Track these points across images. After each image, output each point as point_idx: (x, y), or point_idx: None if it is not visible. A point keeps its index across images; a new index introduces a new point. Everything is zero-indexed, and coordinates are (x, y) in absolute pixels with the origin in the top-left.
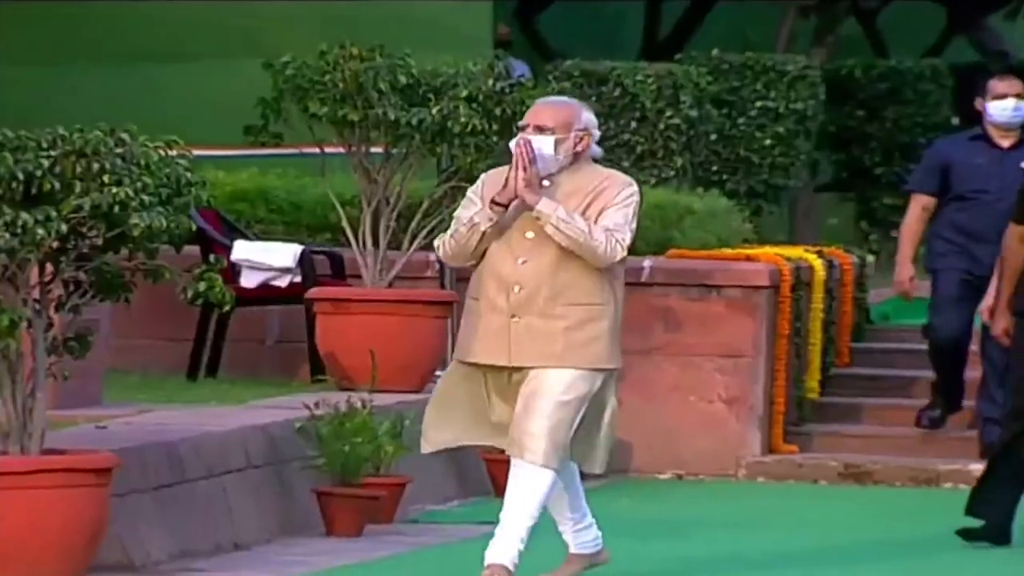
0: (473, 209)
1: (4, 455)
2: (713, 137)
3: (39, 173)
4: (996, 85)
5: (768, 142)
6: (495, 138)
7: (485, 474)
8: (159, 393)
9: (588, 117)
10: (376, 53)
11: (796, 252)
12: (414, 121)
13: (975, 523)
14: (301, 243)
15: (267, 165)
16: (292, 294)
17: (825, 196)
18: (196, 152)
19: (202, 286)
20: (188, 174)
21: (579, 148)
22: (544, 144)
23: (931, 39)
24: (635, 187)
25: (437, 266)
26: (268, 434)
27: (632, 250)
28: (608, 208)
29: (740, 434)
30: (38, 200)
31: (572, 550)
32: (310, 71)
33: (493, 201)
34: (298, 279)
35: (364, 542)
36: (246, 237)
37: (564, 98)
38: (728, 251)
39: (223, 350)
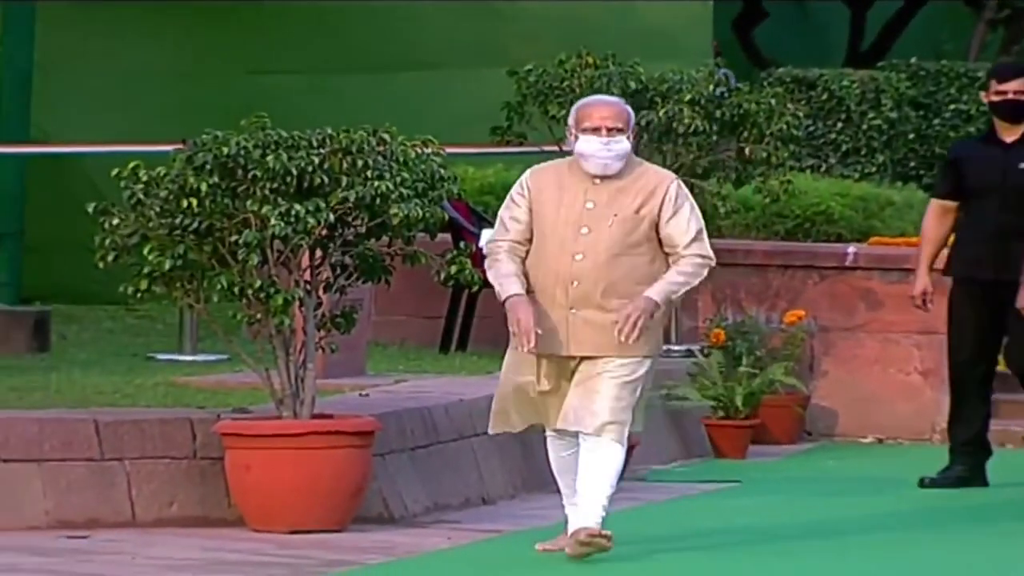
0: (515, 211)
1: (279, 419)
2: (911, 136)
3: (310, 169)
4: None
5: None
6: (715, 137)
7: (705, 437)
8: (415, 364)
9: (632, 112)
10: (609, 61)
11: None
12: (643, 122)
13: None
14: None
15: (512, 162)
16: None
17: None
18: (448, 150)
19: (453, 269)
20: (441, 170)
21: (632, 143)
22: (624, 146)
23: None
24: (677, 179)
25: None
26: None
27: (835, 236)
28: (672, 217)
29: (935, 402)
30: (309, 193)
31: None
32: (550, 77)
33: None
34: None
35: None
36: (492, 226)
37: (613, 97)
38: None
39: (472, 326)
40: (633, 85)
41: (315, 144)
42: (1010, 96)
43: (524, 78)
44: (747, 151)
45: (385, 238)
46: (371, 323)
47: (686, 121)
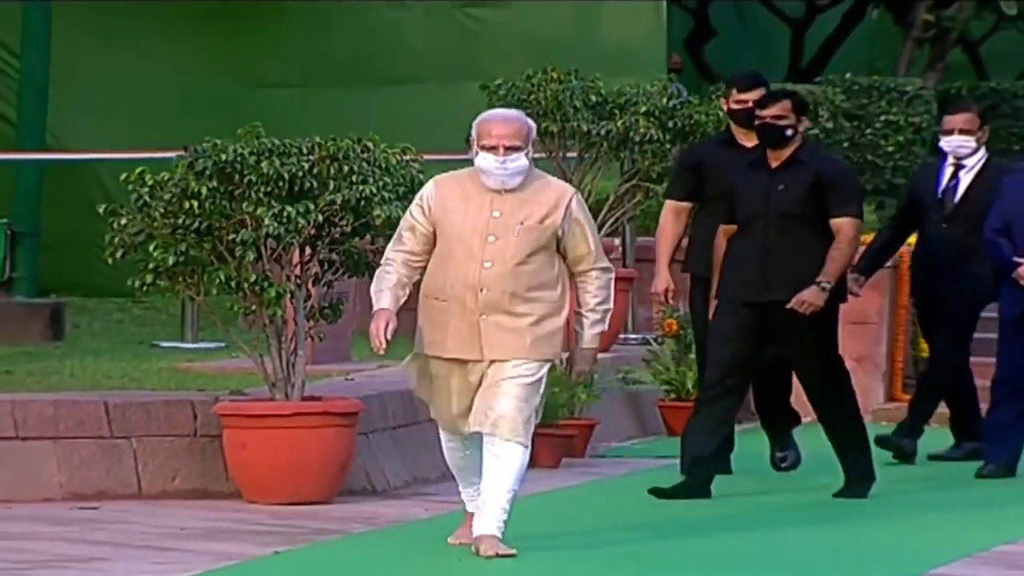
0: (413, 223)
1: (272, 401)
2: (845, 145)
3: (300, 174)
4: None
5: (890, 149)
6: (668, 145)
7: (659, 417)
8: (396, 352)
9: (533, 125)
10: (572, 76)
11: (912, 238)
12: (602, 132)
13: None
14: None
15: None
16: None
17: None
18: (426, 157)
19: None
20: (420, 175)
21: (531, 156)
22: (522, 164)
23: None
24: (577, 193)
25: (620, 248)
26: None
27: None
28: (575, 231)
29: (867, 386)
30: (300, 196)
31: (471, 509)
32: (519, 91)
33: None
34: None
35: (561, 472)
36: None
37: (513, 111)
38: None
39: None
40: (594, 98)
41: (305, 151)
42: (749, 105)
43: (495, 91)
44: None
45: (368, 237)
46: (356, 314)
47: (642, 131)
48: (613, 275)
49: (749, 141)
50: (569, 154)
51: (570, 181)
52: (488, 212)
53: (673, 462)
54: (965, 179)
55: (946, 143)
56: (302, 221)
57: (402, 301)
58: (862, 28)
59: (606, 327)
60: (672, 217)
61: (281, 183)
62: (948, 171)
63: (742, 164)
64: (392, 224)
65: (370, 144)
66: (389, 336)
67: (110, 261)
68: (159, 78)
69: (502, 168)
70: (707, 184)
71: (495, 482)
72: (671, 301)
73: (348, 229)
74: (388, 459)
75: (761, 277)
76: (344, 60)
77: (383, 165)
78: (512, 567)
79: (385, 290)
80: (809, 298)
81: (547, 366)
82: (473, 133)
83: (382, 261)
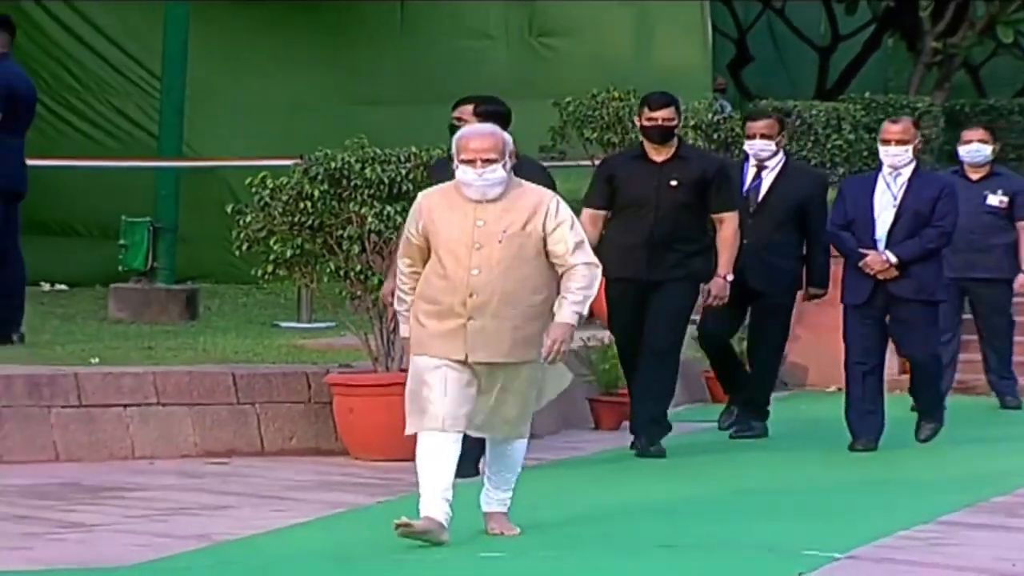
0: (410, 232)
1: (375, 373)
2: (865, 154)
3: (398, 178)
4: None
5: None
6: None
7: (705, 386)
8: None
9: (509, 139)
10: (631, 95)
11: None
12: None
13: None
14: None
15: (554, 173)
16: None
17: None
18: None
19: None
20: None
21: (509, 167)
22: (499, 175)
23: (1020, 84)
24: (557, 197)
25: None
26: None
27: None
28: (555, 230)
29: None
30: (398, 197)
31: (426, 514)
32: (585, 108)
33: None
34: None
35: (620, 434)
36: None
37: (489, 126)
38: None
39: None
40: None
41: (402, 159)
42: (659, 122)
43: (565, 108)
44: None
45: None
46: None
47: (690, 142)
48: (600, 270)
49: (659, 156)
50: None
51: None
52: (472, 221)
53: (708, 425)
54: (768, 178)
55: (750, 146)
56: (399, 219)
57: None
58: (879, 54)
59: (584, 311)
60: (589, 224)
61: (382, 186)
62: (751, 172)
63: (651, 174)
64: None
65: None
66: None
67: (237, 253)
68: (279, 97)
69: (480, 180)
70: (618, 194)
71: (500, 469)
72: None
73: None
74: None
75: (646, 259)
76: (436, 81)
77: None
78: (604, 483)
79: (405, 314)
80: (717, 291)
81: (535, 365)
82: (453, 148)
83: (397, 259)
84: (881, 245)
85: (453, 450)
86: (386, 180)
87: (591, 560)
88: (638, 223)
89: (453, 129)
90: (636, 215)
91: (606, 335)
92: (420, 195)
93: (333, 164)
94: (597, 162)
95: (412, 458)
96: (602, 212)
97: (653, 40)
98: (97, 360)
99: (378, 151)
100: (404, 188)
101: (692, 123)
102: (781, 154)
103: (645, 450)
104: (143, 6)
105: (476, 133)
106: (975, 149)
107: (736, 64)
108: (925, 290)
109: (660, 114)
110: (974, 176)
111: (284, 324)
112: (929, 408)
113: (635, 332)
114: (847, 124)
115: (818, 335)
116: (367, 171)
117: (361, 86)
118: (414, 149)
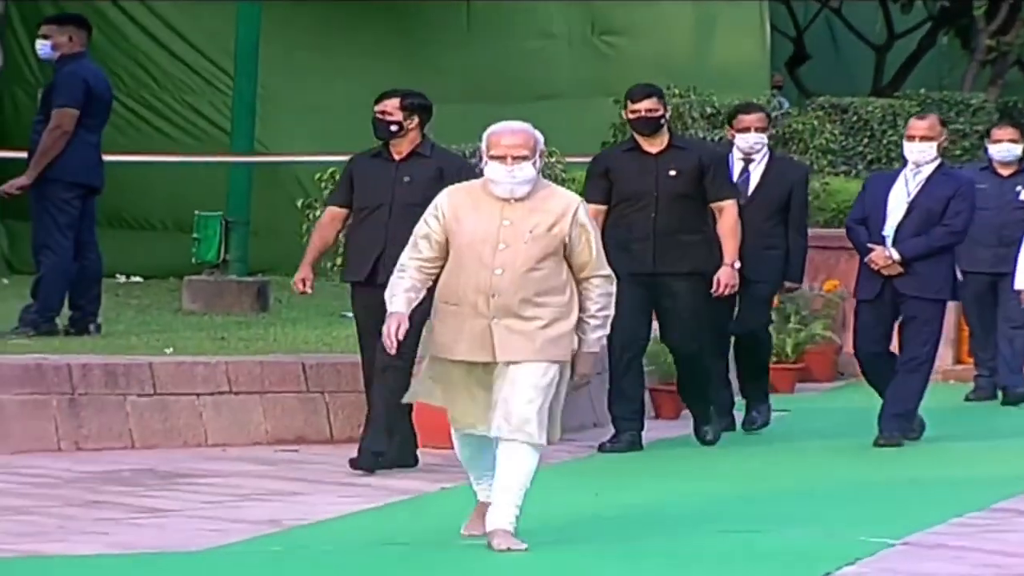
0: (428, 231)
1: None
2: None
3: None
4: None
5: (958, 152)
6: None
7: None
8: None
9: (540, 137)
10: (691, 92)
11: None
12: (716, 139)
13: None
14: None
15: None
16: None
17: None
18: (568, 159)
19: None
20: (563, 173)
21: (539, 166)
22: (529, 172)
23: None
24: (582, 202)
25: None
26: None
27: None
28: (581, 239)
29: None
30: None
31: (483, 498)
32: None
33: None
34: None
35: (680, 422)
36: None
37: (520, 123)
38: None
39: None
40: (709, 110)
41: (467, 155)
42: (643, 114)
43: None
44: (795, 160)
45: None
46: None
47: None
48: (615, 284)
49: (652, 147)
50: None
51: None
52: (499, 221)
53: (777, 414)
54: (756, 172)
55: (742, 140)
56: None
57: (414, 304)
58: (934, 52)
59: (607, 331)
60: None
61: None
62: (738, 165)
63: (647, 165)
64: None
65: None
66: (401, 336)
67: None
68: (347, 95)
69: (510, 177)
70: (615, 188)
71: (508, 481)
72: None
73: None
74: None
75: (652, 252)
76: (499, 80)
77: None
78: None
79: (398, 294)
80: (727, 279)
81: (556, 367)
82: (483, 145)
83: (396, 268)
84: (888, 241)
85: (489, 447)
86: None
87: (654, 545)
88: (639, 216)
89: (376, 124)
90: (636, 208)
91: None
92: (444, 191)
93: None
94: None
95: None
96: (602, 207)
97: (713, 38)
98: (171, 350)
99: (466, 150)
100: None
101: None
102: (765, 147)
103: (704, 439)
104: (216, 7)
105: (508, 130)
106: (1005, 149)
107: (793, 62)
108: (931, 288)
109: (642, 105)
110: (1004, 172)
111: (351, 315)
112: (906, 410)
113: (636, 326)
114: (902, 120)
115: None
116: None
117: (426, 84)
118: (479, 144)
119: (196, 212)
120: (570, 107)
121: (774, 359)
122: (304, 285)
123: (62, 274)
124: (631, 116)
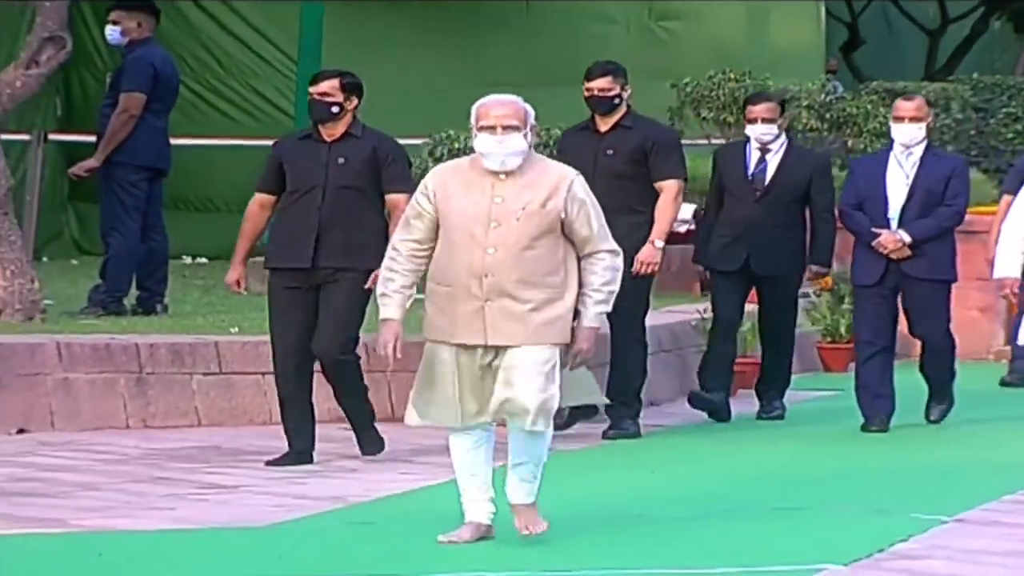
0: (419, 210)
1: None
2: (972, 133)
3: None
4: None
5: (1010, 136)
6: (825, 133)
7: (817, 357)
8: None
9: (531, 110)
10: (746, 76)
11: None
12: None
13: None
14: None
15: None
16: (688, 237)
17: None
18: None
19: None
20: None
21: (531, 140)
22: (519, 143)
23: None
24: (578, 175)
25: None
26: (672, 329)
27: None
28: (578, 214)
29: (989, 332)
30: None
31: (471, 516)
32: (702, 88)
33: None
34: (692, 227)
35: (738, 400)
36: None
37: (510, 96)
38: (982, 208)
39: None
40: None
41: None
42: (595, 92)
43: (682, 89)
44: (849, 143)
45: None
46: None
47: (804, 121)
48: (621, 257)
49: (604, 126)
50: (739, 139)
51: None
52: (490, 198)
53: (829, 393)
54: (772, 162)
55: (751, 130)
56: None
57: (409, 304)
58: (986, 36)
59: (609, 308)
60: None
61: None
62: (755, 155)
63: (591, 144)
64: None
65: None
66: (399, 354)
67: None
68: (411, 80)
69: (500, 147)
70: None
71: (522, 457)
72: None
73: None
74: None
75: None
76: (560, 64)
77: None
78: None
79: (392, 294)
80: (646, 257)
81: (556, 350)
82: (472, 119)
83: (388, 250)
84: (894, 224)
85: (485, 448)
86: None
87: (709, 522)
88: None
89: (313, 106)
90: None
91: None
92: (430, 173)
93: (456, 144)
94: (713, 141)
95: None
96: None
97: (768, 24)
98: (236, 330)
99: None
100: None
101: (805, 103)
102: (784, 137)
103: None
104: None
105: (496, 101)
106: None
107: (848, 47)
108: (938, 269)
109: (596, 84)
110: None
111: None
112: (941, 389)
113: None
114: (955, 104)
115: (973, 309)
116: None
117: (488, 70)
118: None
119: None
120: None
121: (828, 340)
122: (239, 286)
123: (129, 255)
124: (585, 94)
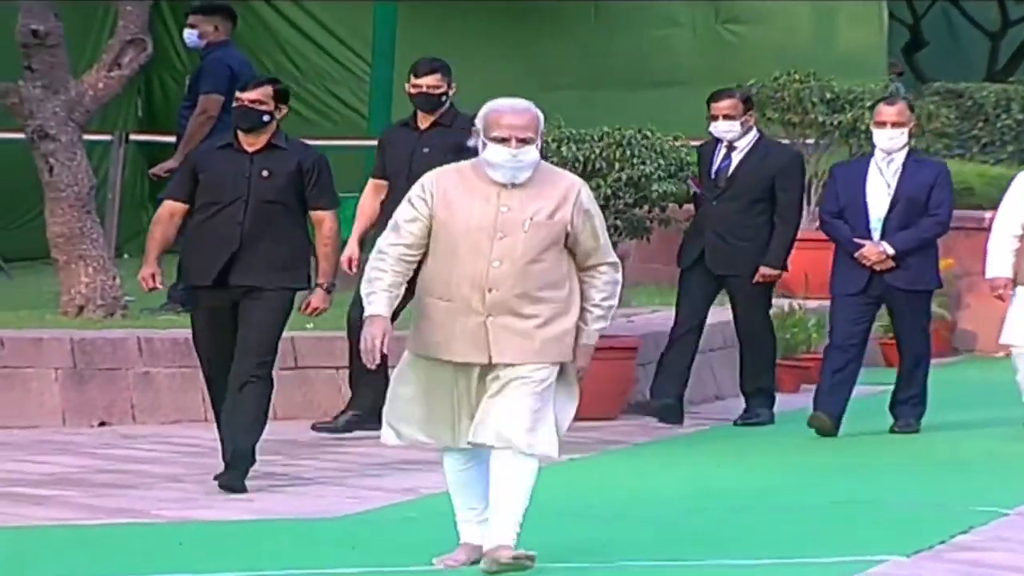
0: (414, 214)
1: None
2: None
3: (592, 157)
4: None
5: None
6: None
7: (879, 352)
8: (667, 299)
9: (542, 117)
10: (811, 78)
11: None
12: (835, 123)
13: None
14: None
15: None
16: None
17: None
18: (692, 143)
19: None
20: (688, 157)
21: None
22: (533, 156)
23: None
24: (585, 185)
25: None
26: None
27: (976, 205)
28: (585, 225)
29: None
30: (592, 174)
31: (466, 537)
32: (767, 90)
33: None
34: None
35: (801, 396)
36: None
37: (524, 102)
38: None
39: None
40: (828, 95)
41: (596, 138)
42: (424, 89)
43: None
44: (784, 145)
45: (646, 207)
46: (635, 269)
47: (867, 122)
48: (620, 272)
49: (424, 122)
50: (807, 140)
51: (807, 161)
52: (496, 207)
53: (881, 388)
54: (736, 159)
55: (713, 128)
56: (594, 195)
57: (395, 304)
58: None
59: (608, 324)
60: (372, 193)
61: (577, 164)
62: (722, 152)
63: (413, 140)
64: (666, 197)
65: (649, 132)
66: (385, 350)
67: None
68: (477, 82)
69: (515, 161)
70: (388, 161)
71: (508, 495)
72: (355, 268)
73: (630, 201)
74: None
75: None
76: (624, 67)
77: (658, 149)
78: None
79: (379, 292)
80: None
81: (555, 369)
82: (479, 124)
83: (373, 253)
84: (876, 235)
85: (478, 466)
86: (581, 158)
87: (769, 515)
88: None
89: (244, 114)
90: (396, 184)
91: (785, 303)
92: (431, 173)
93: None
94: (783, 142)
95: (602, 417)
96: (384, 182)
97: (832, 27)
98: (311, 325)
99: (573, 131)
100: (597, 165)
101: (869, 104)
102: (754, 133)
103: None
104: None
105: (511, 108)
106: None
107: (911, 48)
108: (922, 280)
109: (424, 81)
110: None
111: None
112: (915, 396)
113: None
114: (1016, 105)
115: (986, 303)
116: (563, 150)
117: (555, 73)
118: (606, 129)
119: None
120: (694, 93)
121: (890, 336)
122: (154, 280)
123: None
124: (412, 91)
